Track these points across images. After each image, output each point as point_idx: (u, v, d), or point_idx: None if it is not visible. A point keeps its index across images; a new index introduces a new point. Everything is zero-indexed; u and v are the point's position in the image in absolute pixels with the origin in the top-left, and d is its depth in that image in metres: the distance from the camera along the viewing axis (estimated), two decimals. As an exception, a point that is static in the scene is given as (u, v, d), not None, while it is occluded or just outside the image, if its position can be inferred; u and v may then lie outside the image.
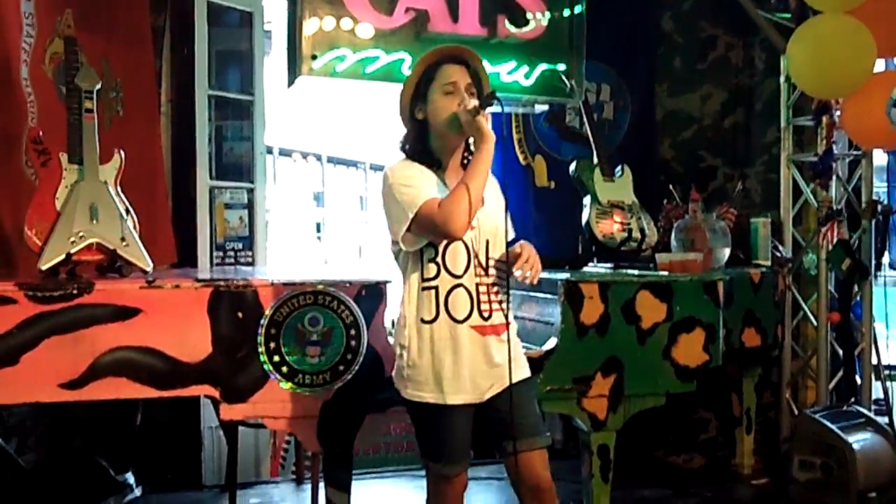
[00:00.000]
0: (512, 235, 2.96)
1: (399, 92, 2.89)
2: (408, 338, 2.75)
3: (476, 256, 2.76)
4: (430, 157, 2.83)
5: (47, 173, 3.42)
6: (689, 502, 4.78)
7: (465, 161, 2.87)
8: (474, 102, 2.71)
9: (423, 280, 2.73)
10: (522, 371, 2.86)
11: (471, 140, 2.82)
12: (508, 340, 2.79)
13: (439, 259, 2.72)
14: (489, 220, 2.79)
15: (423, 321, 2.73)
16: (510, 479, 2.84)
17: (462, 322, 2.72)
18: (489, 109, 2.75)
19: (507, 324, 2.82)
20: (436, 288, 2.72)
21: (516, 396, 2.76)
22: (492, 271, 2.80)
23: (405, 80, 2.89)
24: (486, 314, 2.76)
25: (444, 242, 2.71)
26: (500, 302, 2.81)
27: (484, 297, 2.76)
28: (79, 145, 3.41)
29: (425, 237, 2.71)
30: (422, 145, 2.84)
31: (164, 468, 4.85)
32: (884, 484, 4.68)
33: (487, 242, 2.79)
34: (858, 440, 4.62)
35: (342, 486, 3.35)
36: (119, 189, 3.51)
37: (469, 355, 2.72)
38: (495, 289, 2.80)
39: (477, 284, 2.75)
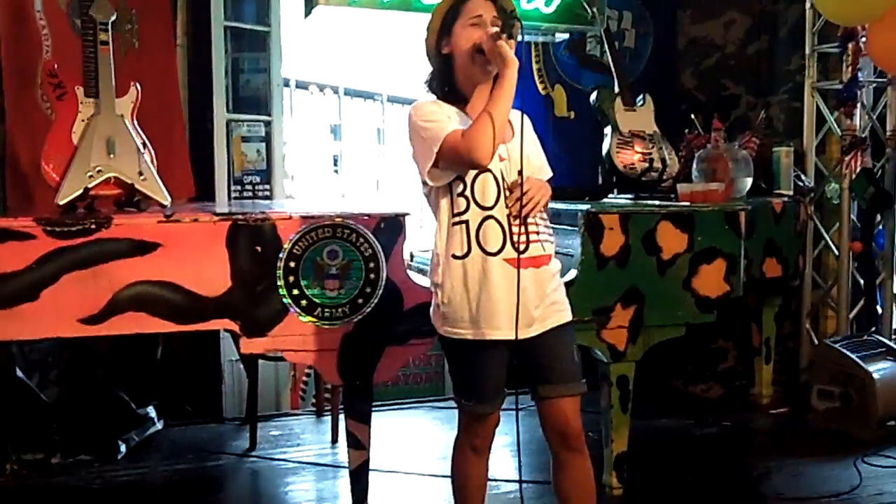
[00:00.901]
0: (549, 174, 2.88)
1: (425, 28, 2.83)
2: (441, 275, 2.70)
3: (508, 188, 2.69)
4: (457, 94, 2.77)
5: (63, 107, 3.41)
6: (708, 432, 4.80)
7: None
8: (495, 28, 2.65)
9: (454, 215, 2.68)
10: (563, 314, 2.79)
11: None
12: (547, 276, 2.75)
13: (468, 192, 2.66)
14: (518, 152, 2.69)
15: (454, 257, 2.67)
16: (540, 421, 2.83)
17: (494, 255, 2.65)
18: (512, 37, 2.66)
19: (549, 255, 2.76)
20: (466, 222, 2.66)
21: (554, 340, 2.74)
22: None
23: (430, 17, 2.82)
24: (521, 246, 2.67)
25: (473, 175, 2.66)
26: (538, 233, 2.73)
27: (517, 230, 2.68)
28: (94, 78, 3.39)
29: (452, 170, 2.65)
30: (448, 82, 2.78)
31: (184, 401, 4.90)
32: (903, 413, 4.69)
33: (520, 173, 2.69)
34: (878, 369, 4.63)
35: (362, 418, 3.37)
36: (136, 123, 3.49)
37: (504, 290, 2.65)
38: (531, 220, 2.71)
39: (509, 216, 2.68)
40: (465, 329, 2.69)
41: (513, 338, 2.66)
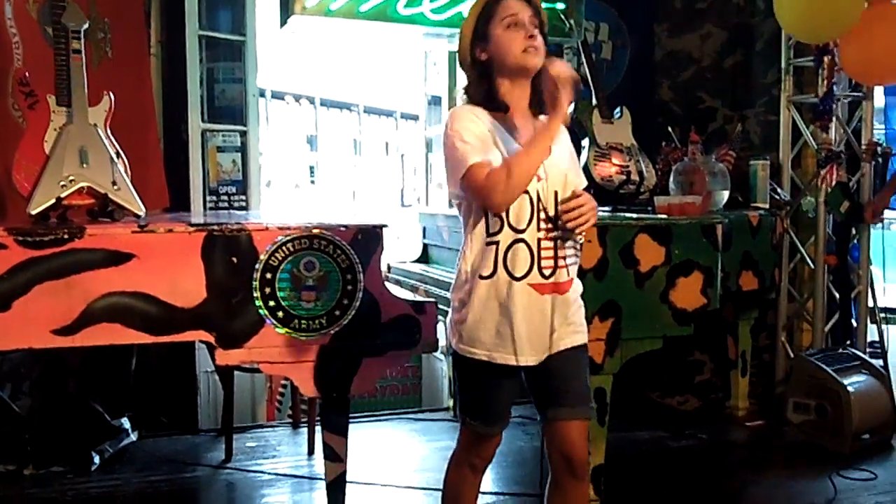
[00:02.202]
0: (584, 184, 2.80)
1: (458, 36, 2.73)
2: (466, 292, 2.63)
3: (543, 209, 2.59)
4: (496, 101, 2.66)
5: (35, 116, 3.36)
6: (684, 444, 4.80)
7: (534, 103, 2.69)
8: (575, 75, 2.55)
9: (488, 234, 2.59)
10: (579, 336, 2.71)
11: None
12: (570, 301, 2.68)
13: (503, 213, 2.56)
14: (557, 169, 2.63)
15: (481, 277, 2.59)
16: (546, 443, 2.76)
17: (520, 279, 2.57)
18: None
19: (571, 279, 2.68)
20: (497, 243, 2.58)
21: (566, 362, 2.67)
22: (550, 228, 2.62)
23: (464, 23, 2.71)
24: (547, 271, 2.60)
25: None
26: (566, 258, 2.64)
27: (547, 254, 2.60)
28: (67, 87, 3.35)
29: (468, 196, 2.59)
30: (487, 89, 2.65)
31: (159, 413, 4.86)
32: (877, 426, 4.72)
33: (556, 194, 2.61)
34: (853, 382, 4.65)
35: (339, 430, 3.34)
36: (109, 132, 3.45)
37: (526, 316, 2.58)
38: (562, 243, 2.63)
39: (539, 240, 2.58)
40: (481, 350, 2.62)
41: (529, 365, 2.62)
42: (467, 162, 2.51)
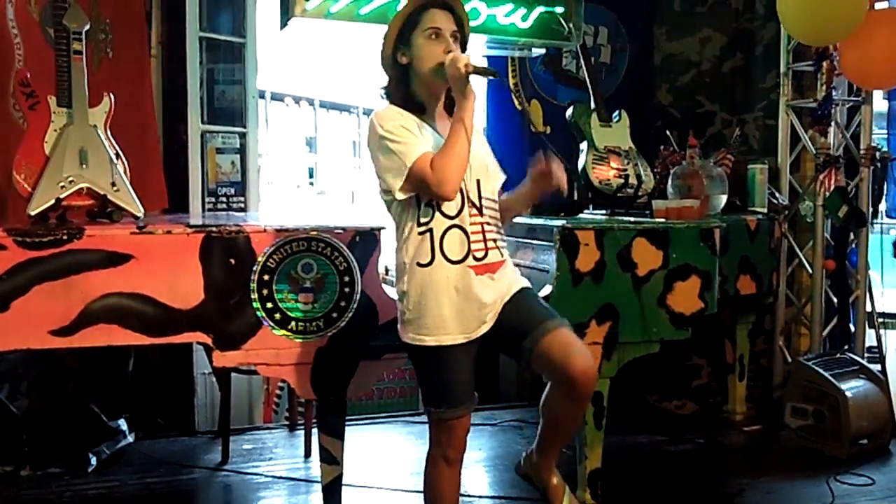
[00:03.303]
0: (503, 177, 2.96)
1: (382, 36, 2.86)
2: (406, 282, 2.75)
3: (468, 196, 2.75)
4: (413, 103, 2.80)
5: (36, 117, 3.37)
6: (682, 448, 4.80)
7: (448, 106, 2.85)
8: (466, 59, 2.68)
9: (419, 224, 2.72)
10: (519, 281, 2.88)
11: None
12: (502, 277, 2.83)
13: (434, 202, 2.71)
14: (477, 158, 2.78)
15: (419, 265, 2.72)
16: (544, 374, 2.85)
17: (457, 263, 2.72)
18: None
19: (503, 261, 2.84)
20: (430, 230, 2.71)
21: (519, 302, 2.81)
22: (486, 210, 2.79)
23: (388, 26, 2.85)
24: (479, 254, 2.75)
25: None
26: (495, 240, 2.81)
27: (478, 237, 2.75)
28: (67, 88, 3.36)
29: (416, 192, 2.70)
30: (405, 91, 2.82)
31: (156, 414, 4.86)
32: (875, 431, 4.72)
33: (479, 182, 2.79)
34: (851, 387, 4.65)
35: (336, 432, 3.34)
36: (109, 133, 3.46)
37: (464, 296, 2.72)
38: (490, 227, 2.80)
39: (470, 224, 2.74)
40: (427, 336, 2.73)
41: (472, 338, 2.74)
42: (411, 156, 2.64)
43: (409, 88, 2.81)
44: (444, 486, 2.92)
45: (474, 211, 2.76)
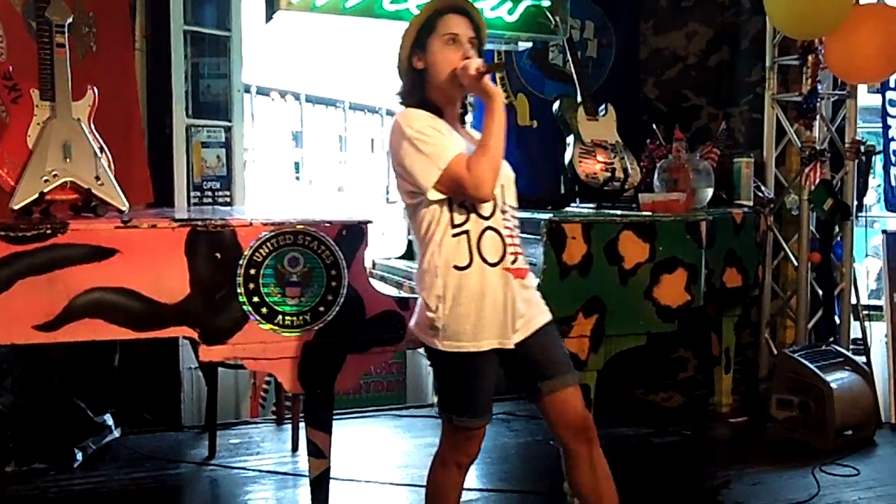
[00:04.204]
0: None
1: (399, 41, 2.81)
2: (442, 287, 2.63)
3: (497, 200, 2.69)
4: (429, 108, 2.72)
5: (18, 110, 3.34)
6: (668, 441, 4.82)
7: (463, 112, 2.84)
8: (477, 63, 2.64)
9: (453, 226, 2.63)
10: (546, 314, 2.81)
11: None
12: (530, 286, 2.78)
13: (468, 202, 2.63)
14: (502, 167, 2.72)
15: (457, 268, 2.62)
16: (547, 419, 2.80)
17: (495, 265, 2.64)
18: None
19: (529, 269, 2.79)
20: (467, 232, 2.63)
21: (544, 339, 2.74)
22: (508, 216, 2.74)
23: (405, 30, 2.80)
24: (511, 258, 2.68)
25: None
26: (520, 247, 2.75)
27: (510, 241, 2.69)
28: (51, 81, 3.33)
29: (448, 194, 2.62)
30: (420, 96, 2.75)
31: (142, 409, 4.84)
32: (860, 422, 4.75)
33: (503, 187, 2.72)
34: (836, 379, 4.68)
35: (323, 426, 3.33)
36: (93, 127, 3.43)
37: (502, 300, 2.65)
38: (515, 234, 2.74)
39: (503, 227, 2.69)
40: (467, 342, 2.63)
41: (511, 346, 2.67)
42: (446, 156, 2.57)
43: (424, 93, 2.75)
44: (450, 489, 2.86)
45: (501, 215, 2.70)
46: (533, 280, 2.81)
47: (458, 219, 2.64)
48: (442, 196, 2.61)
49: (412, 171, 2.62)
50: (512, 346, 2.67)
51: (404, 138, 2.62)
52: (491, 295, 2.63)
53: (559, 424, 2.76)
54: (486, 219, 2.65)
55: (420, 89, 2.76)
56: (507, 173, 2.77)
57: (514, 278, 2.67)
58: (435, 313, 2.65)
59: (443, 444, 2.85)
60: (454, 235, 2.63)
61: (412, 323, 2.80)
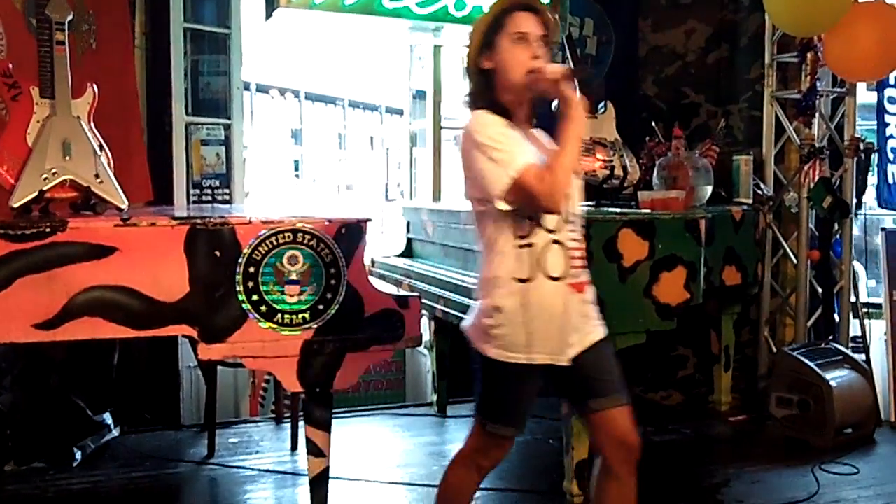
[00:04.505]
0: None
1: (466, 41, 2.73)
2: (500, 297, 2.58)
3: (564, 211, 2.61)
4: (498, 110, 2.63)
5: (18, 108, 3.34)
6: (667, 439, 4.81)
7: (532, 116, 2.74)
8: (556, 68, 2.57)
9: (517, 238, 2.57)
10: (601, 329, 2.75)
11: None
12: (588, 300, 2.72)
13: (534, 214, 2.55)
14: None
15: (518, 280, 2.57)
16: (595, 437, 2.76)
17: (557, 280, 2.58)
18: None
19: (589, 282, 2.71)
20: (531, 245, 2.57)
21: (598, 355, 2.69)
22: (573, 225, 2.65)
23: (473, 29, 2.72)
24: (575, 271, 2.62)
25: None
26: (583, 258, 2.68)
27: (575, 254, 2.63)
28: (50, 79, 3.33)
29: (517, 204, 2.54)
30: (490, 97, 2.65)
31: (142, 408, 4.84)
32: (860, 420, 4.75)
33: (568, 196, 2.61)
34: (835, 377, 4.67)
35: (322, 425, 3.33)
36: (92, 125, 3.43)
37: (560, 315, 2.59)
38: (579, 244, 2.67)
39: (568, 240, 2.61)
40: (519, 353, 2.59)
41: (565, 363, 2.62)
42: (516, 166, 2.49)
43: (494, 95, 2.65)
44: (465, 492, 2.84)
45: (569, 225, 2.63)
46: (591, 293, 2.73)
47: (523, 231, 2.56)
48: (510, 207, 2.54)
49: (482, 178, 2.55)
50: (565, 363, 2.62)
51: (475, 144, 2.55)
52: (549, 310, 2.58)
53: (607, 444, 2.70)
54: (552, 232, 2.58)
55: (489, 90, 2.66)
56: (575, 180, 2.67)
57: (574, 293, 2.62)
58: (491, 321, 2.60)
59: (469, 444, 2.82)
60: (518, 247, 2.57)
61: (467, 323, 2.75)
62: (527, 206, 2.54)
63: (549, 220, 2.57)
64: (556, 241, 2.59)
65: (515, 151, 2.52)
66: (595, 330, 2.72)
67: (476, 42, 2.68)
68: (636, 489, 2.76)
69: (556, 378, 2.69)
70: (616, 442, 2.68)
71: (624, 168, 4.65)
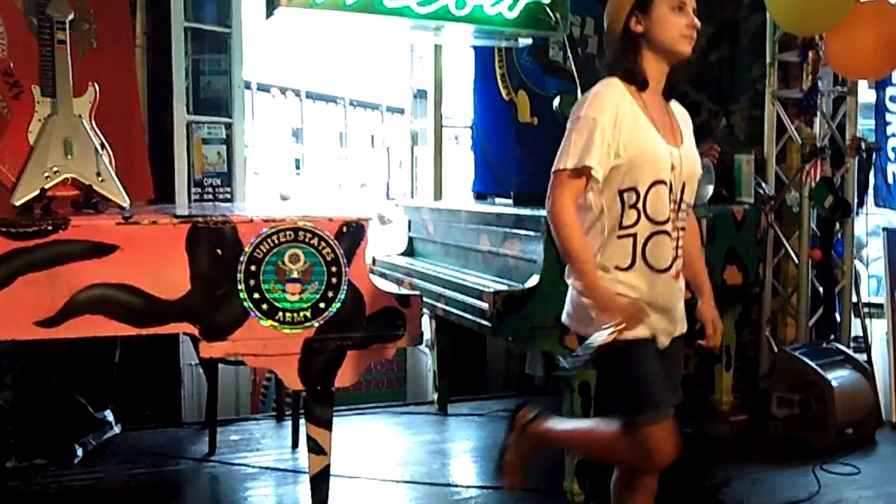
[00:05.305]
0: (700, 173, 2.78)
1: (610, 5, 2.66)
2: (608, 281, 2.53)
3: (676, 201, 2.58)
4: (637, 77, 2.57)
5: (19, 106, 3.35)
6: (669, 438, 4.80)
7: (667, 89, 2.67)
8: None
9: (621, 227, 2.53)
10: (684, 325, 2.72)
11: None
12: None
13: (640, 205, 2.51)
14: (688, 160, 2.61)
15: (617, 268, 2.54)
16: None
17: (662, 272, 2.56)
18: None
19: (682, 269, 2.67)
20: (634, 235, 2.52)
21: (674, 353, 2.68)
22: (682, 214, 2.61)
23: None
24: (678, 262, 2.60)
25: (647, 185, 2.50)
26: (683, 248, 2.63)
27: (679, 244, 2.60)
28: (52, 78, 3.33)
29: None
30: (632, 62, 2.58)
31: (143, 405, 4.84)
32: (861, 420, 4.74)
33: (684, 185, 2.60)
34: (837, 377, 4.67)
35: (323, 423, 3.33)
36: (94, 123, 3.43)
37: (663, 303, 2.57)
38: (683, 233, 2.63)
39: (674, 230, 2.57)
40: (641, 330, 2.51)
41: (666, 343, 2.62)
42: (579, 161, 2.48)
43: (638, 60, 2.58)
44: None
45: (678, 215, 2.59)
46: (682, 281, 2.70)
47: (628, 220, 2.53)
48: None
49: (562, 147, 2.54)
50: (667, 344, 2.61)
51: (578, 112, 2.54)
52: (650, 299, 2.54)
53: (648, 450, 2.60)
54: (659, 223, 2.54)
55: (634, 55, 2.59)
56: (693, 169, 2.63)
57: (675, 281, 2.61)
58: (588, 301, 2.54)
59: (624, 467, 2.78)
60: (620, 236, 2.54)
61: (564, 317, 2.71)
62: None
63: (656, 211, 2.53)
64: (662, 232, 2.55)
65: (592, 147, 2.47)
66: (682, 322, 2.70)
67: (628, 4, 2.60)
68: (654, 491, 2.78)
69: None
70: (659, 453, 2.58)
71: (625, 167, 4.65)
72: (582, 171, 2.49)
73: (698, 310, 2.82)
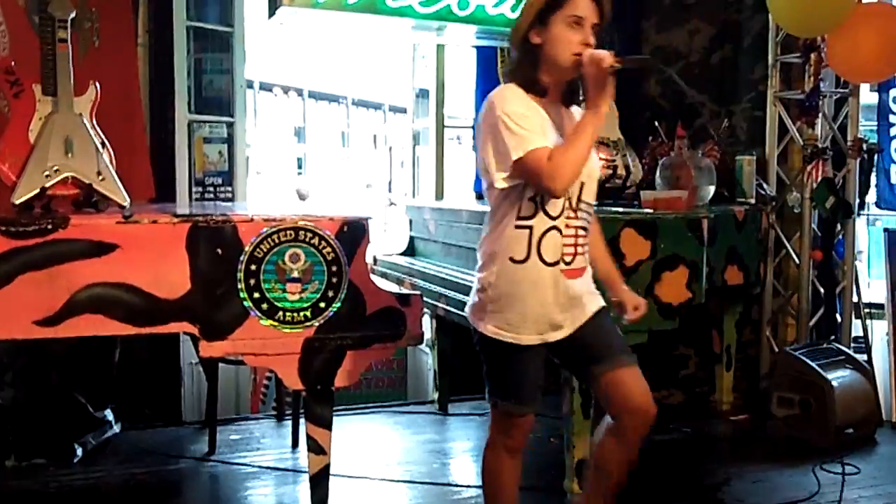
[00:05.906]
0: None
1: (519, 12, 2.74)
2: (495, 275, 2.65)
3: (570, 198, 2.63)
4: (536, 86, 2.67)
5: (20, 105, 3.34)
6: (669, 438, 4.81)
7: (565, 95, 2.75)
8: (609, 60, 2.55)
9: (518, 218, 2.61)
10: (598, 300, 2.79)
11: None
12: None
13: (538, 198, 2.59)
14: (589, 161, 2.66)
15: (512, 260, 2.62)
16: (605, 404, 2.77)
17: (551, 265, 2.62)
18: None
19: (585, 267, 2.74)
20: (530, 228, 2.60)
21: (599, 324, 2.74)
22: (581, 214, 2.68)
23: (527, 2, 2.71)
24: (568, 258, 2.65)
25: None
26: (583, 245, 2.71)
27: (570, 241, 2.65)
28: (53, 76, 3.33)
29: (519, 180, 2.59)
30: (531, 72, 2.67)
31: (143, 404, 4.83)
32: (861, 420, 4.74)
33: (582, 185, 2.66)
34: (837, 377, 4.67)
35: (323, 422, 3.33)
36: (95, 122, 3.43)
37: (552, 298, 2.63)
38: (582, 233, 2.69)
39: (566, 227, 2.64)
40: (508, 332, 2.65)
41: (550, 340, 2.68)
42: (526, 146, 2.52)
43: (535, 70, 2.67)
44: (504, 475, 2.87)
45: (572, 214, 2.65)
46: (588, 275, 2.77)
47: (525, 212, 2.61)
48: (508, 184, 2.59)
49: (489, 152, 2.60)
50: (554, 340, 2.68)
51: (494, 117, 2.58)
52: (540, 293, 2.62)
53: (622, 411, 2.70)
54: (553, 218, 2.61)
55: (530, 65, 2.68)
56: (592, 168, 2.70)
57: (565, 278, 2.65)
58: (484, 294, 2.67)
59: (491, 427, 2.87)
60: (517, 228, 2.61)
61: (467, 306, 2.80)
62: (531, 184, 2.57)
63: (553, 207, 2.61)
64: (554, 228, 2.62)
65: (530, 131, 2.54)
66: (592, 302, 2.76)
67: (530, 14, 2.68)
68: (636, 451, 2.78)
69: (558, 352, 2.75)
70: (631, 407, 2.69)
71: (626, 168, 4.65)
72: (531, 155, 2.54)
73: (615, 301, 2.93)
